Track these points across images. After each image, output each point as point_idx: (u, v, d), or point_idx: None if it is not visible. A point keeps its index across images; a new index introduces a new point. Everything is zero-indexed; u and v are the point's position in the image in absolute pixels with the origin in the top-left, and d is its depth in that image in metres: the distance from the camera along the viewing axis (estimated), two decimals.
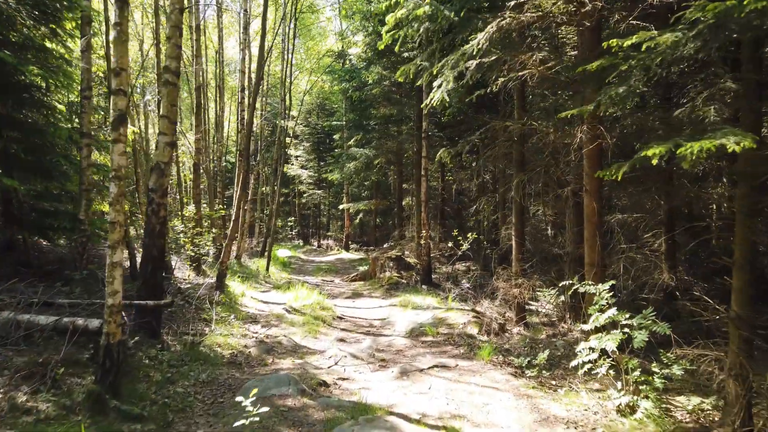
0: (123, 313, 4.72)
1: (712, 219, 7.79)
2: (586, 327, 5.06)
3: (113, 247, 4.36)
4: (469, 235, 10.45)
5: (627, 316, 4.65)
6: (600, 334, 4.85)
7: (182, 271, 13.29)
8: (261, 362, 6.28)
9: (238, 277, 13.32)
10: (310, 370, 5.96)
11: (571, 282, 5.44)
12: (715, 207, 8.32)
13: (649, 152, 3.54)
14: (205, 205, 15.11)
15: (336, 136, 25.73)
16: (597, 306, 4.87)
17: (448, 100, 6.65)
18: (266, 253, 15.38)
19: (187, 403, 4.74)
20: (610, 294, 4.91)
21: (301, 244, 30.19)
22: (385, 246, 20.33)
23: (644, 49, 3.69)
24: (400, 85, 17.08)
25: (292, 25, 17.42)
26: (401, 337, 7.93)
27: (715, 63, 5.72)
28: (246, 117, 10.01)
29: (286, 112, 14.92)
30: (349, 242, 25.72)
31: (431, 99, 6.29)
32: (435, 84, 6.25)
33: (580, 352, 4.99)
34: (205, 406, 4.80)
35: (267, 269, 15.20)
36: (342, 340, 7.67)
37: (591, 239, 5.89)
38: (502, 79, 6.92)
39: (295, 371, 5.81)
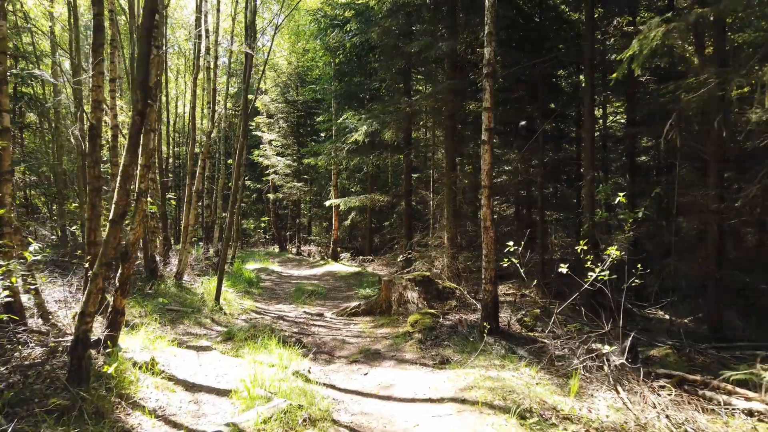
0: None
1: None
2: None
3: None
4: (609, 250, 5.13)
5: None
6: None
7: (67, 308, 7.78)
8: None
9: (159, 317, 7.81)
10: None
11: None
12: None
13: None
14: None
15: (320, 118, 20.21)
16: None
17: None
18: (219, 273, 9.75)
19: None
20: None
21: (277, 251, 24.54)
22: (394, 257, 14.91)
23: None
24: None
25: None
26: None
27: None
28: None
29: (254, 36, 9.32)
30: (338, 249, 20.21)
31: None
32: None
33: None
34: None
35: (217, 298, 9.61)
36: None
37: None
38: None
39: None
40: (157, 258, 11.48)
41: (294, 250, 23.33)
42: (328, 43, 16.72)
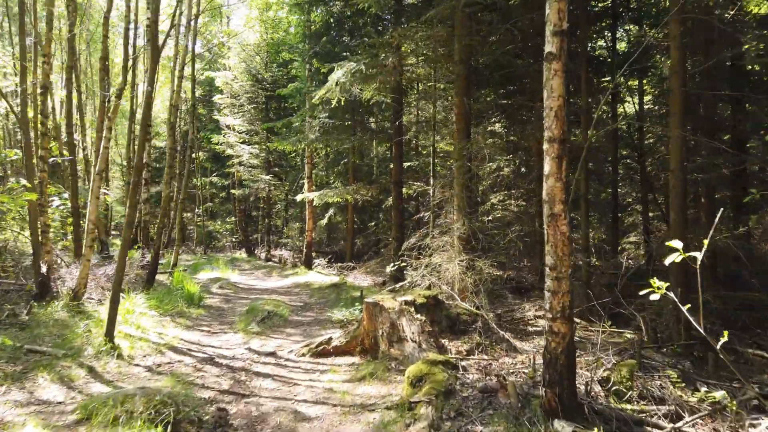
0: None
1: None
2: None
3: None
4: None
5: None
6: None
7: None
8: None
9: None
10: None
11: None
12: None
13: None
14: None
15: (291, 87, 16.88)
16: None
17: None
18: (112, 295, 6.34)
19: None
20: None
21: (245, 256, 21.10)
22: (381, 263, 11.67)
23: None
24: None
25: None
26: None
27: None
28: None
29: None
30: (312, 253, 16.86)
31: None
32: None
33: None
34: None
35: (110, 333, 6.19)
36: None
37: None
38: None
39: None
40: (44, 269, 8.05)
41: (262, 255, 19.92)
42: None
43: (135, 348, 6.52)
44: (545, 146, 3.91)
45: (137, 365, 6.01)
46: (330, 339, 6.58)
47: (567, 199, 3.86)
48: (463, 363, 5.24)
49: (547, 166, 3.87)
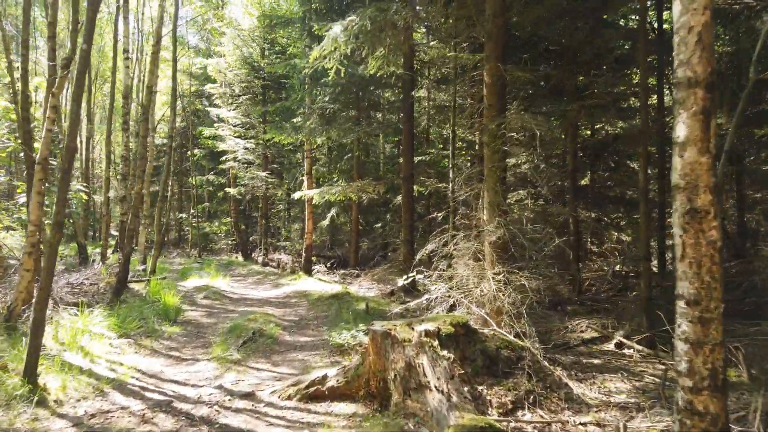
0: None
1: None
2: None
3: None
4: None
5: None
6: None
7: None
8: None
9: None
10: None
11: None
12: None
13: None
14: None
15: (293, 89, 15.35)
16: None
17: None
18: (32, 324, 4.78)
19: None
20: None
21: (241, 259, 19.59)
22: (389, 269, 10.14)
23: None
24: None
25: None
26: None
27: None
28: None
29: None
30: (313, 258, 15.30)
31: None
32: None
33: None
34: None
35: (29, 374, 4.64)
36: None
37: None
38: None
39: None
40: None
41: (259, 259, 18.38)
42: None
43: (69, 387, 4.97)
44: (677, 95, 2.31)
45: (63, 415, 4.46)
46: (325, 377, 5.00)
47: (717, 185, 2.26)
48: (513, 424, 3.67)
49: (684, 128, 2.27)
